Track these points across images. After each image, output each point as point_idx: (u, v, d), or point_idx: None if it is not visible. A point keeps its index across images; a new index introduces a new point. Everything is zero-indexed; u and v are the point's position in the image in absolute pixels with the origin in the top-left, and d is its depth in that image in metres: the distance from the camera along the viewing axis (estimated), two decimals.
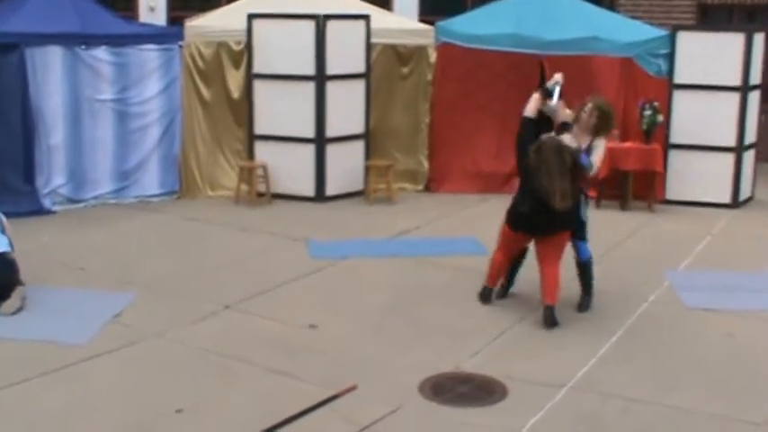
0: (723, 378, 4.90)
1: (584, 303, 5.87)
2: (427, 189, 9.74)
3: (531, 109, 5.68)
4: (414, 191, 9.73)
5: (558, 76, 5.68)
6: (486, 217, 8.01)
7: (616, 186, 9.24)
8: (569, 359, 5.13)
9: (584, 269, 5.87)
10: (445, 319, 5.83)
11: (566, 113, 5.64)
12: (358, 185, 9.46)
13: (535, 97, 5.68)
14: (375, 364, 5.07)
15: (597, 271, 6.12)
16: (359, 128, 9.38)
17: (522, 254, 5.98)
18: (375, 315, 5.86)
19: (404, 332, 5.59)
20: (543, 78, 5.83)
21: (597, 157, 5.57)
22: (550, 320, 5.58)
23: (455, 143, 9.69)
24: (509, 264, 5.99)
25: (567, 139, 5.45)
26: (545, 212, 5.37)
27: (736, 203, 9.23)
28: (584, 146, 5.67)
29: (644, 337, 5.50)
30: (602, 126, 5.64)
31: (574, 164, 5.29)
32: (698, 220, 8.66)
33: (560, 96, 5.66)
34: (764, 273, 6.80)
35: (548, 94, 5.61)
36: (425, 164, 9.77)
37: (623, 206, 9.01)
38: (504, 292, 6.12)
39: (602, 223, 7.85)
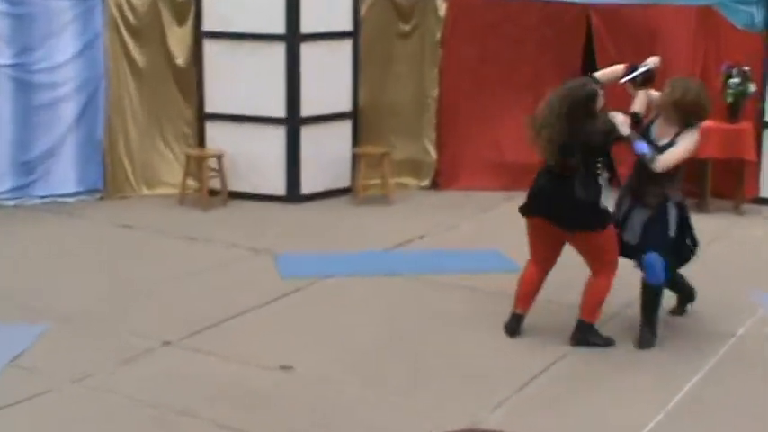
0: None
1: (643, 339, 5.95)
2: (435, 185, 9.87)
3: (603, 75, 5.95)
4: (417, 188, 9.84)
5: (653, 59, 5.97)
6: (513, 222, 8.14)
7: (691, 180, 9.24)
8: (625, 415, 5.11)
9: (643, 293, 5.95)
10: (458, 357, 5.85)
11: (640, 103, 5.91)
12: (344, 181, 9.56)
13: (615, 69, 5.96)
14: (365, 419, 5.05)
15: (666, 293, 6.17)
16: (344, 104, 9.48)
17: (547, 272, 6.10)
18: (366, 353, 5.89)
19: (403, 375, 5.61)
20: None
21: (674, 154, 5.71)
22: (576, 338, 5.88)
23: (472, 124, 9.80)
24: (541, 279, 6.09)
25: (618, 119, 5.64)
26: (559, 186, 5.66)
27: None
28: (666, 140, 5.84)
29: (729, 387, 5.49)
30: (688, 115, 5.78)
31: (605, 136, 5.55)
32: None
33: (643, 81, 5.90)
34: None
35: (632, 72, 5.89)
36: (432, 152, 9.88)
37: (700, 207, 9.01)
38: (523, 322, 6.21)
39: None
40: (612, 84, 6.05)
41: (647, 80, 5.96)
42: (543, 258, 6.05)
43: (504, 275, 6.94)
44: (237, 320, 6.35)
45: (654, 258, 5.85)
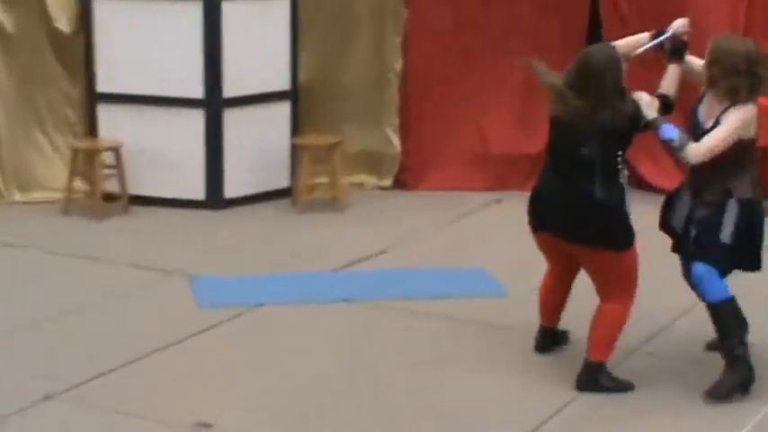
0: None
1: (719, 386, 5.84)
2: (399, 184, 9.99)
3: (624, 44, 6.03)
4: (376, 188, 9.94)
5: (680, 22, 6.03)
6: (500, 230, 8.18)
7: None
8: None
9: (711, 316, 5.89)
10: (435, 409, 5.79)
11: (670, 80, 5.96)
12: (281, 180, 9.60)
13: (639, 38, 6.06)
14: None
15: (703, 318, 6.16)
16: (281, 82, 9.52)
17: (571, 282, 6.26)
18: (308, 408, 5.83)
19: (361, 429, 5.55)
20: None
21: (712, 139, 5.67)
22: (582, 382, 5.91)
23: (446, 106, 9.88)
24: (564, 290, 6.24)
25: (644, 100, 5.71)
26: (569, 186, 5.72)
27: None
28: (711, 122, 5.78)
29: None
30: (738, 84, 5.67)
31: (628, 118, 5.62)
32: None
33: (674, 51, 5.96)
34: None
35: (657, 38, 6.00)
36: (395, 142, 9.96)
37: None
38: (556, 338, 6.40)
39: None
40: (636, 60, 6.08)
41: (678, 49, 5.97)
42: (560, 270, 6.17)
43: (488, 300, 7.10)
44: (141, 364, 6.32)
45: (701, 271, 5.80)
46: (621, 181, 5.71)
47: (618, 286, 5.84)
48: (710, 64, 5.72)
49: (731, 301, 5.81)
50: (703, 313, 6.30)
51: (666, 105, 5.85)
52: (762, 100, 8.84)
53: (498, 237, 8.45)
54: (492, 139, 9.82)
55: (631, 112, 5.65)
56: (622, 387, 5.90)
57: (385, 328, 6.84)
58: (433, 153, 9.89)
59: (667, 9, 9.15)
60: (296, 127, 9.57)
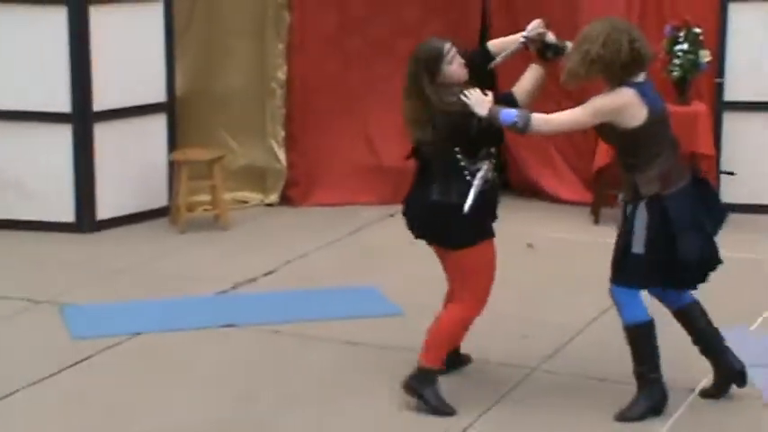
0: None
1: (631, 409, 5.85)
2: (286, 201, 9.99)
3: (497, 44, 6.16)
4: (262, 205, 9.93)
5: (533, 24, 6.06)
6: (394, 247, 8.08)
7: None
8: None
9: (626, 336, 5.88)
10: None
11: (528, 79, 5.98)
12: (159, 199, 9.54)
13: (513, 39, 6.11)
14: None
15: (602, 335, 6.23)
16: (156, 93, 9.46)
17: None
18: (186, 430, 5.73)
19: None
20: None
21: (566, 113, 5.70)
22: (406, 385, 5.92)
23: (334, 117, 9.93)
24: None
25: (475, 96, 5.67)
26: (417, 187, 5.89)
27: None
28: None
29: None
30: (607, 68, 5.63)
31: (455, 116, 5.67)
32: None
33: (545, 53, 5.98)
34: None
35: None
36: (281, 156, 9.94)
37: None
38: (456, 360, 6.33)
39: (602, 249, 7.87)
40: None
41: (544, 50, 5.95)
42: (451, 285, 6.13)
43: (382, 321, 7.11)
44: (9, 402, 6.19)
45: (615, 293, 5.83)
46: (469, 179, 5.72)
47: (461, 287, 5.90)
48: (575, 47, 5.71)
49: (647, 325, 5.80)
50: (599, 331, 6.36)
51: (510, 104, 5.78)
52: (698, 107, 9.11)
53: (391, 253, 8.48)
54: (382, 150, 9.88)
55: (456, 107, 5.65)
56: (441, 410, 5.85)
57: (273, 354, 6.79)
58: (322, 167, 9.95)
59: (555, 11, 9.31)
60: (174, 141, 9.52)
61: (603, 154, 8.95)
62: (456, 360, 6.30)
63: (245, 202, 9.87)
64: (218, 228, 9.20)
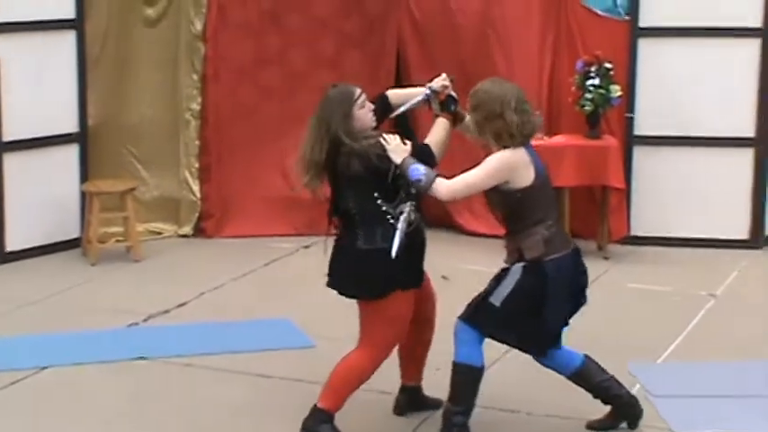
0: None
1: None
2: (200, 232, 10.00)
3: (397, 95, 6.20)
4: (176, 236, 9.94)
5: (438, 80, 6.05)
6: (309, 278, 8.08)
7: None
8: None
9: (452, 372, 5.90)
10: None
11: (437, 131, 5.97)
12: (70, 230, 9.51)
13: (414, 92, 6.17)
14: None
15: (513, 365, 6.20)
16: (68, 123, 9.43)
17: (421, 331, 6.19)
18: None
19: None
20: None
21: (465, 177, 5.72)
22: (304, 426, 5.86)
23: (250, 148, 9.97)
24: (404, 347, 6.18)
25: (392, 143, 5.70)
26: (346, 248, 5.86)
27: (758, 239, 9.58)
28: None
29: None
30: (496, 128, 5.70)
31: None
32: (689, 273, 8.95)
33: (444, 108, 5.99)
34: None
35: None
36: (195, 188, 9.96)
37: None
38: (409, 401, 6.30)
39: None
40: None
41: (445, 104, 5.98)
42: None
43: (295, 353, 7.14)
44: None
45: (459, 330, 5.82)
46: (392, 222, 5.68)
47: (364, 334, 5.87)
48: (471, 110, 5.77)
49: (477, 370, 5.80)
50: (512, 363, 6.37)
51: (426, 155, 5.77)
52: (609, 141, 9.18)
53: (306, 285, 8.41)
54: (298, 181, 9.70)
55: (372, 153, 5.63)
56: None
57: (186, 387, 6.73)
58: (236, 198, 9.94)
59: (467, 46, 9.36)
60: (85, 172, 9.45)
61: None
62: (418, 400, 6.26)
63: (159, 234, 9.83)
64: (130, 259, 9.17)
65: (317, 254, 9.24)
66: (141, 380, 6.82)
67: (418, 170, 5.61)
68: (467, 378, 5.80)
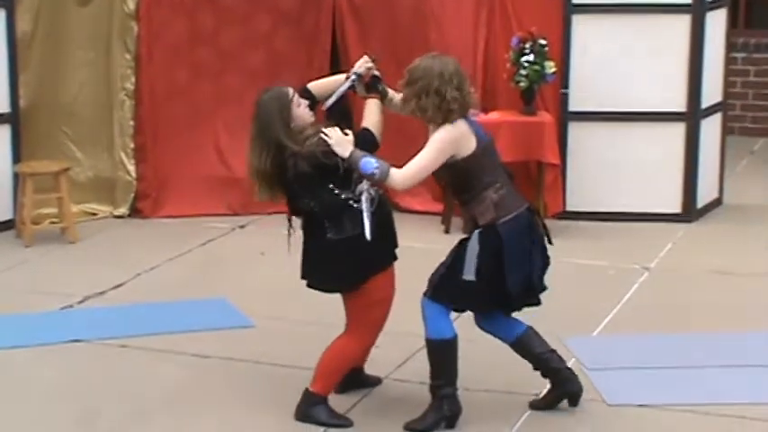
0: None
1: (422, 420, 5.88)
2: (136, 213, 9.94)
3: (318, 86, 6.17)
4: (111, 217, 9.87)
5: (361, 61, 6.04)
6: (244, 258, 7.98)
7: None
8: None
9: (428, 350, 5.93)
10: None
11: (371, 115, 5.95)
12: (4, 211, 9.44)
13: (336, 80, 6.16)
14: None
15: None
16: (0, 104, 9.34)
17: None
18: None
19: None
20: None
21: (413, 163, 5.72)
22: (297, 412, 5.95)
23: (185, 128, 9.89)
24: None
25: (334, 136, 5.68)
26: (315, 243, 5.83)
27: (690, 212, 9.64)
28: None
29: None
30: (426, 104, 5.72)
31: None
32: (623, 247, 8.99)
33: (370, 90, 5.98)
34: (733, 336, 7.10)
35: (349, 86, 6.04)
36: (130, 168, 9.90)
37: None
38: (350, 380, 6.29)
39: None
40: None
41: (371, 85, 5.97)
42: None
43: (232, 333, 7.11)
44: None
45: (427, 308, 5.85)
46: (356, 206, 5.69)
47: (352, 320, 5.90)
48: (408, 85, 5.76)
49: (450, 341, 5.83)
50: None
51: (370, 142, 5.78)
52: (544, 117, 9.20)
53: (242, 264, 8.43)
54: (233, 161, 9.76)
55: (317, 152, 5.63)
56: (338, 423, 5.89)
57: (122, 369, 6.69)
58: (172, 178, 9.84)
59: (403, 19, 9.32)
60: (18, 153, 9.36)
61: None
62: (359, 379, 6.26)
63: (94, 215, 9.72)
64: (65, 241, 9.06)
65: (253, 233, 9.34)
66: (77, 362, 6.76)
67: (370, 163, 5.58)
68: (443, 351, 5.84)
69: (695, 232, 9.35)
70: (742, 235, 9.31)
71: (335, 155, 5.59)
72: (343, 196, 5.68)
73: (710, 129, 9.74)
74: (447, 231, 9.20)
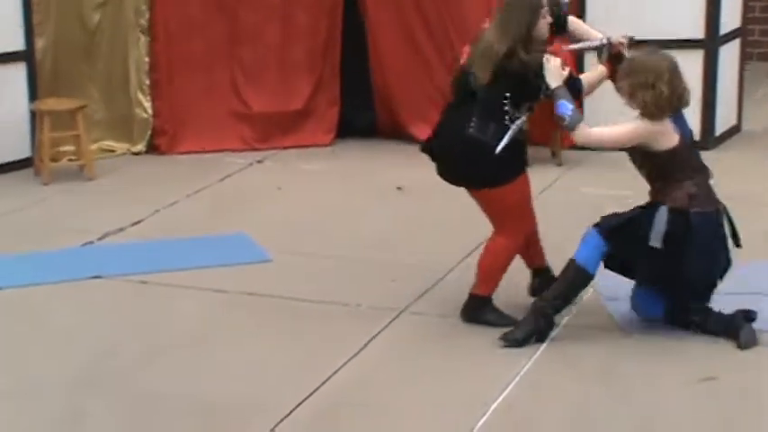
0: None
1: (515, 331, 5.98)
2: (154, 149, 9.94)
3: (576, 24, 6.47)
4: (129, 154, 9.91)
5: (620, 34, 6.33)
6: (262, 192, 8.00)
7: None
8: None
9: (565, 268, 6.04)
10: (201, 387, 5.63)
11: (592, 76, 6.32)
12: (21, 150, 9.44)
13: (591, 33, 6.42)
14: None
15: (468, 276, 6.31)
16: (14, 40, 9.30)
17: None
18: (60, 402, 5.54)
19: (108, 419, 5.37)
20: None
21: (606, 130, 5.96)
22: (465, 314, 6.18)
23: (200, 64, 9.87)
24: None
25: (553, 64, 5.89)
26: (454, 128, 6.02)
27: (708, 140, 9.63)
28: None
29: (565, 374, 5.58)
30: (644, 98, 5.87)
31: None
32: (641, 177, 8.90)
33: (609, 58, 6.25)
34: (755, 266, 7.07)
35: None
36: (147, 105, 9.87)
37: None
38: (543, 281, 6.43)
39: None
40: None
41: (614, 59, 6.18)
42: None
43: (252, 268, 7.08)
44: None
45: (592, 234, 5.92)
46: (507, 124, 5.88)
47: (501, 222, 6.09)
48: (625, 76, 5.93)
49: (587, 276, 5.94)
50: (465, 272, 6.47)
51: (575, 89, 6.01)
52: (556, 46, 9.15)
53: (261, 199, 8.43)
54: (250, 96, 9.82)
55: (531, 63, 5.83)
56: (506, 322, 6.04)
57: (141, 305, 6.69)
58: (189, 115, 9.84)
59: None
60: (34, 91, 9.34)
61: None
62: (543, 276, 6.39)
63: (112, 152, 9.73)
64: (84, 178, 9.08)
65: (270, 168, 9.32)
66: (96, 299, 6.76)
67: (567, 107, 5.83)
68: (575, 279, 5.97)
69: (714, 159, 9.15)
70: (762, 161, 9.28)
71: (543, 81, 5.82)
72: (506, 108, 5.89)
73: (729, 55, 9.69)
74: None
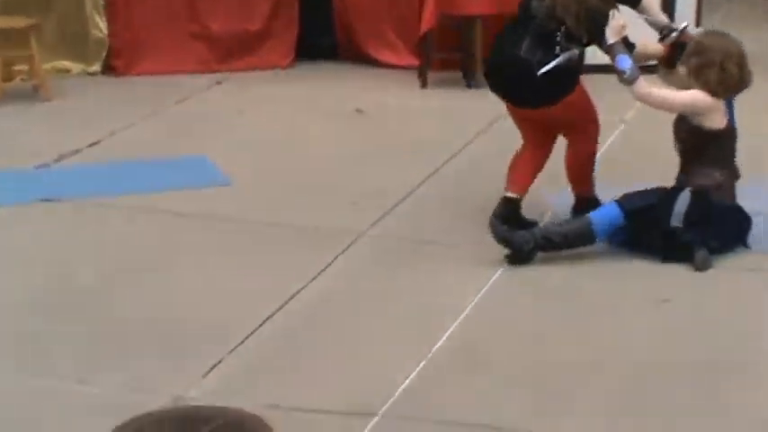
0: None
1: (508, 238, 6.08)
2: (110, 70, 9.86)
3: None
4: (84, 74, 9.82)
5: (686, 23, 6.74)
6: (223, 115, 7.91)
7: (454, 45, 9.40)
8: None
9: (574, 218, 6.35)
10: (161, 310, 5.63)
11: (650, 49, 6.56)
12: None
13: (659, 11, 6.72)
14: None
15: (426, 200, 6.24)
16: None
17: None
18: (14, 326, 5.54)
19: (67, 342, 5.32)
20: None
21: (669, 93, 6.19)
22: (495, 225, 6.13)
23: None
24: (535, 157, 6.54)
25: (617, 21, 6.10)
26: (498, 52, 6.33)
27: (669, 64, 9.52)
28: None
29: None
30: (709, 77, 6.09)
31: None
32: (601, 99, 8.80)
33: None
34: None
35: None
36: (102, 24, 9.77)
37: (469, 80, 9.27)
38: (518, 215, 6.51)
39: (429, 114, 7.64)
40: None
41: (681, 45, 6.40)
42: (526, 137, 6.51)
43: (212, 192, 7.06)
44: None
45: (615, 205, 6.10)
46: (557, 53, 6.07)
47: (573, 129, 6.38)
48: (693, 54, 6.13)
49: (592, 238, 6.07)
50: (423, 196, 6.56)
51: (630, 49, 6.16)
52: None
53: (220, 122, 8.38)
54: (209, 16, 9.75)
55: (602, 9, 6.04)
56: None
57: (98, 228, 6.63)
58: (146, 35, 9.72)
59: None
60: None
61: (429, 18, 8.95)
62: (515, 210, 6.45)
63: (68, 72, 9.63)
64: (39, 99, 8.95)
65: (230, 91, 9.25)
66: (52, 222, 6.71)
67: (627, 61, 6.03)
68: (582, 235, 6.09)
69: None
70: None
71: (602, 34, 6.02)
72: (558, 38, 6.10)
73: None
74: (424, 86, 9.11)
